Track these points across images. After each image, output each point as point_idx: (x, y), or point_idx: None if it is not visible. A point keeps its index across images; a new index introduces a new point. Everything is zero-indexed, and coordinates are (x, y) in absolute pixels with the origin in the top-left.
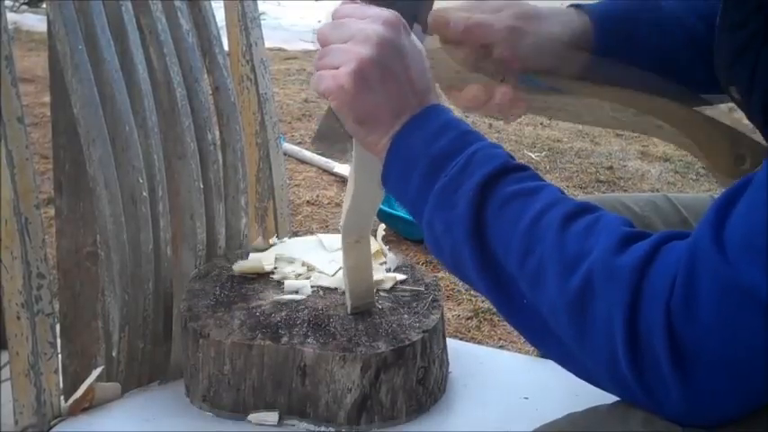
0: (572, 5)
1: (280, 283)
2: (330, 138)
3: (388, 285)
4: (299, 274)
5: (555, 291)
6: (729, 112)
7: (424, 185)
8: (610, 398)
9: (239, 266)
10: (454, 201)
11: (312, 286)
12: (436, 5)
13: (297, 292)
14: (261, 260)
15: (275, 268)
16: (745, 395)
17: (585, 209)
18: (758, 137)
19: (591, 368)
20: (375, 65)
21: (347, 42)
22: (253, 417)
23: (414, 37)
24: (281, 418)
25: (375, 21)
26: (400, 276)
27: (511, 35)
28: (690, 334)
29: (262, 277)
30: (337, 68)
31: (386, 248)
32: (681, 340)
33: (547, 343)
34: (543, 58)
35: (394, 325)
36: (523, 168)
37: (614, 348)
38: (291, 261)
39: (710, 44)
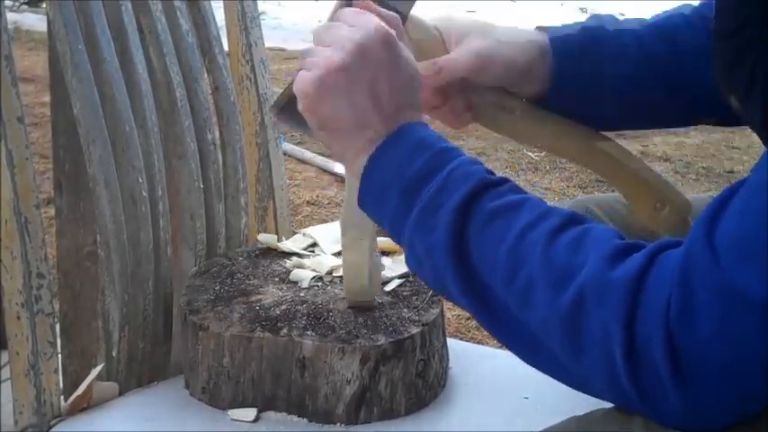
0: (537, 27)
1: (282, 280)
2: (286, 110)
3: (393, 286)
4: (304, 248)
5: (546, 308)
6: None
7: (402, 210)
8: None
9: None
10: (433, 225)
11: (312, 271)
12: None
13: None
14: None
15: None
16: (745, 401)
17: (571, 221)
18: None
19: (588, 381)
20: (342, 73)
21: (327, 46)
22: (231, 412)
23: (406, 53)
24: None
25: (359, 30)
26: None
27: (475, 67)
28: (689, 344)
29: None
30: (310, 71)
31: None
32: (680, 351)
33: (539, 358)
34: (501, 78)
35: (393, 318)
36: (502, 182)
37: (613, 362)
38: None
39: (670, 66)
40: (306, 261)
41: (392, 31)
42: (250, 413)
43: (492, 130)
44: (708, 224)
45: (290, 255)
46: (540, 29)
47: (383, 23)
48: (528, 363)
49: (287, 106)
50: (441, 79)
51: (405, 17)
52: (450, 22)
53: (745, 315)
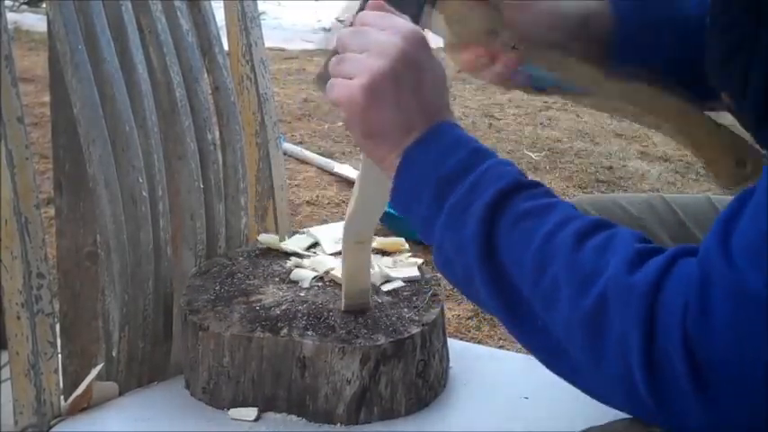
0: None
1: (282, 280)
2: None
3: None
4: (305, 248)
5: (569, 310)
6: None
7: (434, 206)
8: None
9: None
10: (464, 221)
11: (312, 270)
12: None
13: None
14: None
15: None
16: (764, 406)
17: (599, 225)
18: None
19: (605, 388)
20: (388, 80)
21: (364, 53)
22: (232, 412)
23: (434, 52)
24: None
25: (395, 33)
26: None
27: (541, 17)
28: (708, 349)
29: (264, 270)
30: (351, 79)
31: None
32: (699, 356)
33: (560, 364)
34: (555, 28)
35: (393, 318)
36: (536, 185)
37: (630, 366)
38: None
39: None
40: (305, 261)
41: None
42: (251, 413)
43: (548, 90)
44: (723, 229)
45: (290, 255)
46: None
47: (411, 23)
48: (550, 368)
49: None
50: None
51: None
52: None
53: (761, 318)
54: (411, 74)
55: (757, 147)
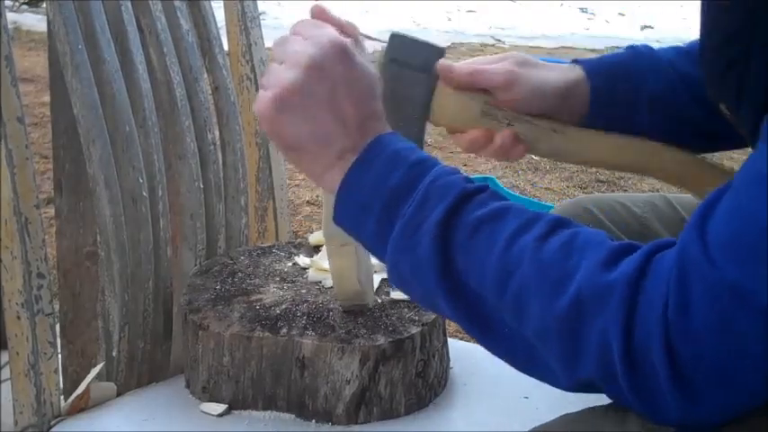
0: (572, 61)
1: (283, 279)
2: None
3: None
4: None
5: (541, 315)
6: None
7: (383, 228)
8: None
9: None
10: (417, 241)
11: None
12: None
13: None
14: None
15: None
16: (742, 398)
17: (558, 225)
18: None
19: (583, 386)
20: (296, 92)
21: (282, 63)
22: (204, 406)
23: (363, 61)
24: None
25: (315, 43)
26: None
27: (510, 79)
28: (687, 344)
29: (264, 269)
30: (266, 90)
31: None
32: (678, 351)
33: (534, 367)
34: (540, 102)
35: (393, 318)
36: (482, 190)
37: (611, 365)
38: None
39: (703, 86)
40: (307, 260)
41: (347, 41)
42: (219, 407)
43: (547, 155)
44: (700, 223)
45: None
46: (575, 62)
47: (337, 34)
48: (524, 371)
49: None
50: (477, 84)
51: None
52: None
53: (738, 310)
54: (325, 86)
55: None
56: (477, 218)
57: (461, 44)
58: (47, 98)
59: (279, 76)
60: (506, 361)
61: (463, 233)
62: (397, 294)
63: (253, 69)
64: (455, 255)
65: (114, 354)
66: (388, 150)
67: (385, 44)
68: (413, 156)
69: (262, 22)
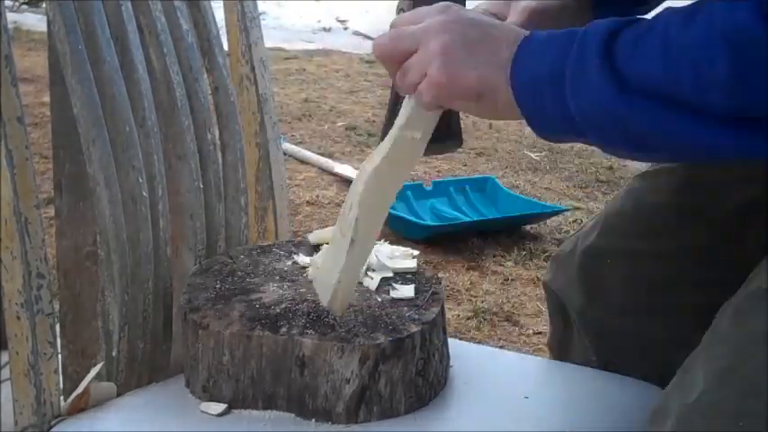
0: None
1: (283, 278)
2: None
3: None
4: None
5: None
6: None
7: (557, 92)
8: (609, 398)
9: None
10: (588, 81)
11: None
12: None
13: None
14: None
15: None
16: None
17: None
18: None
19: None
20: (454, 47)
21: (418, 51)
22: (203, 406)
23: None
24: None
25: (429, 15)
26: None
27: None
28: None
29: (264, 268)
30: (426, 76)
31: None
32: None
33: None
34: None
35: (393, 317)
36: (631, 21)
37: None
38: None
39: None
40: (307, 259)
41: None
42: (219, 407)
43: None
44: None
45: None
46: None
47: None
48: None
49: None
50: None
51: None
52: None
53: None
54: (466, 30)
55: None
56: (633, 34)
57: None
58: (47, 98)
59: (428, 54)
60: (684, 154)
61: (625, 49)
62: (396, 294)
63: (253, 69)
64: (624, 67)
65: (114, 354)
66: (540, 37)
67: None
68: (563, 30)
69: (262, 22)
